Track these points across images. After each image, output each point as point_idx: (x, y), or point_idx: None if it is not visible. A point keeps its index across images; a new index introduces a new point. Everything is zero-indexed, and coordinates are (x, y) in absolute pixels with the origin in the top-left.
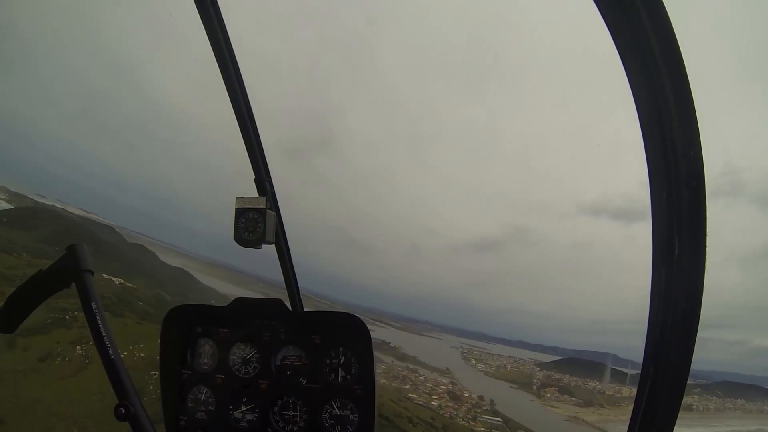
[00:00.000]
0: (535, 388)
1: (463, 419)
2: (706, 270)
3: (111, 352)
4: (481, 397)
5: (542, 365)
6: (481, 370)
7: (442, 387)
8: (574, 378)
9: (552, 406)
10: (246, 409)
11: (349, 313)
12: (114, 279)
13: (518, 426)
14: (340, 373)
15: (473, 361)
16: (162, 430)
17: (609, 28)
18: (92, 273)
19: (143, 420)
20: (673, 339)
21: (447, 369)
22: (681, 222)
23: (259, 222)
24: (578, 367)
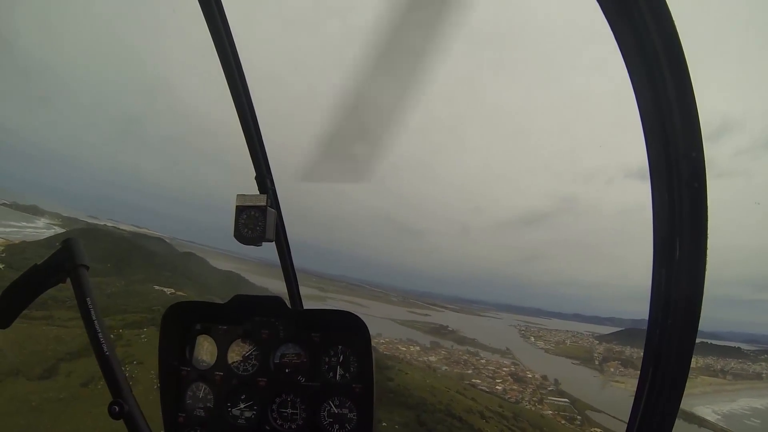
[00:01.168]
0: (597, 363)
1: (529, 402)
2: (706, 272)
3: (105, 349)
4: (544, 377)
5: (601, 338)
6: (541, 348)
7: (505, 369)
8: (636, 350)
9: (617, 381)
10: (244, 407)
11: (348, 312)
12: (165, 289)
13: (586, 406)
14: (339, 371)
15: (532, 339)
16: (156, 427)
17: (611, 27)
18: (87, 268)
19: (137, 418)
20: (673, 340)
21: (507, 349)
22: (682, 223)
23: (259, 219)
24: (638, 337)
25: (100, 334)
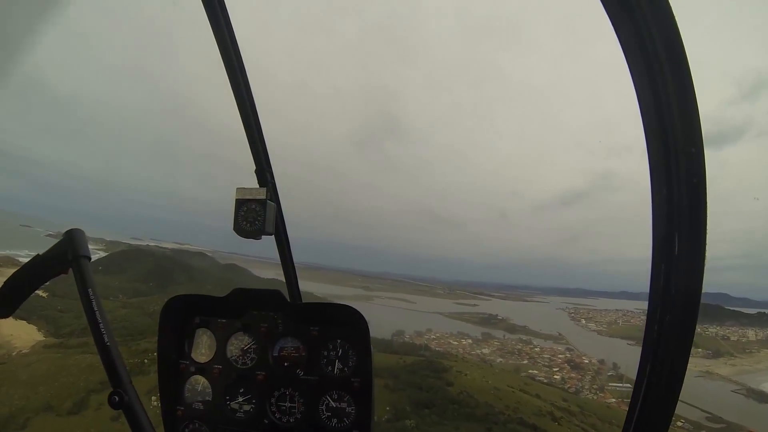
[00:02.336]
0: None
1: (590, 391)
2: (705, 267)
3: (106, 339)
4: (602, 362)
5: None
6: (593, 330)
7: (560, 356)
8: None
9: None
10: (243, 400)
11: (347, 306)
12: None
13: None
14: (338, 365)
15: (583, 321)
16: (155, 418)
17: (612, 23)
18: (89, 259)
19: (137, 408)
20: (672, 336)
21: (559, 334)
22: (681, 219)
23: (259, 213)
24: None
25: (101, 324)
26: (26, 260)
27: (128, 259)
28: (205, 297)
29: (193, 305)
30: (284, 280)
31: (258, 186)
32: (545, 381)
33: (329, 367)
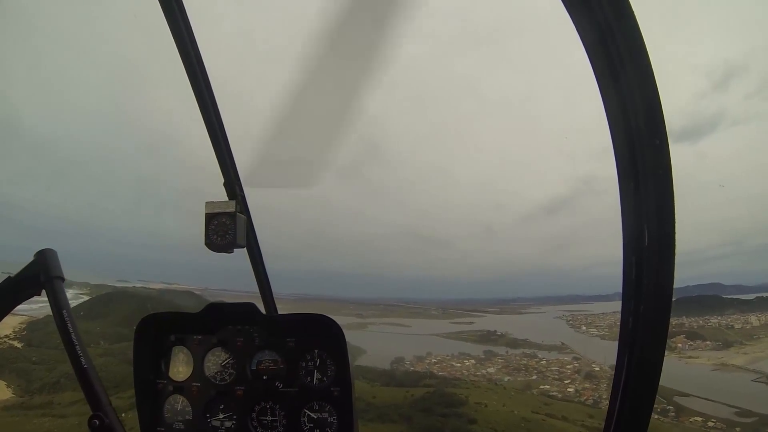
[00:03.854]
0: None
1: (608, 400)
2: (675, 257)
3: (84, 362)
4: (612, 367)
5: None
6: (596, 335)
7: (569, 367)
8: (693, 319)
9: (691, 357)
10: (224, 417)
11: (322, 315)
12: None
13: (671, 392)
14: (316, 375)
15: (583, 328)
16: None
17: (573, 22)
18: (63, 279)
19: (117, 431)
20: (647, 326)
21: (562, 344)
22: (649, 211)
23: (229, 226)
24: (691, 306)
25: (77, 347)
26: None
27: (111, 301)
28: (179, 314)
29: (168, 323)
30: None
31: (227, 199)
32: (560, 396)
33: (308, 378)
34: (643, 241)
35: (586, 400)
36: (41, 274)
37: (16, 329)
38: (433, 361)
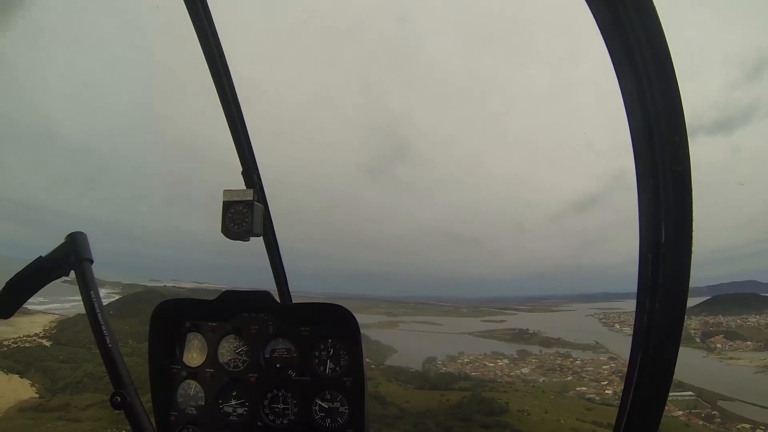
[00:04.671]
0: (698, 340)
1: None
2: (692, 255)
3: (108, 341)
4: None
5: (688, 311)
6: (629, 334)
7: (604, 367)
8: (730, 318)
9: (731, 358)
10: (236, 403)
11: (337, 305)
12: None
13: (715, 396)
14: (329, 365)
15: (617, 326)
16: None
17: (593, 15)
18: (92, 262)
19: (138, 409)
20: (661, 325)
21: (597, 343)
22: (667, 208)
23: (246, 215)
24: (728, 304)
25: (103, 326)
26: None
27: (141, 301)
28: (195, 301)
29: (183, 309)
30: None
31: (245, 188)
32: (599, 399)
33: (321, 368)
34: (659, 239)
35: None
36: (71, 255)
37: (47, 327)
38: (466, 360)
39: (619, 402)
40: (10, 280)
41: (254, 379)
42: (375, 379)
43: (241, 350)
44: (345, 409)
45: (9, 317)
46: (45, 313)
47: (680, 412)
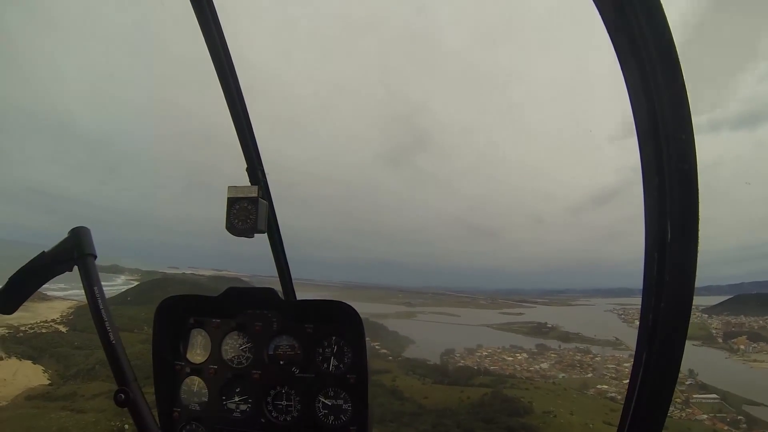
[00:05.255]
0: (720, 340)
1: (673, 404)
2: (698, 253)
3: (112, 337)
4: None
5: (708, 310)
6: None
7: (625, 365)
8: (753, 318)
9: (755, 360)
10: (239, 400)
11: (341, 302)
12: None
13: (740, 400)
14: (333, 362)
15: (637, 322)
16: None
17: (599, 11)
18: (95, 257)
19: (142, 406)
20: (667, 324)
21: (617, 339)
22: (673, 206)
23: (251, 211)
24: (751, 304)
25: (107, 323)
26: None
27: (158, 288)
28: (199, 297)
29: (188, 306)
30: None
31: (250, 184)
32: (620, 398)
33: (325, 365)
34: (665, 237)
35: None
36: (74, 250)
37: (64, 313)
38: (484, 354)
39: (624, 400)
40: (13, 275)
41: (258, 376)
42: (392, 372)
43: (245, 347)
44: (348, 406)
45: (12, 313)
46: (64, 299)
47: (705, 416)
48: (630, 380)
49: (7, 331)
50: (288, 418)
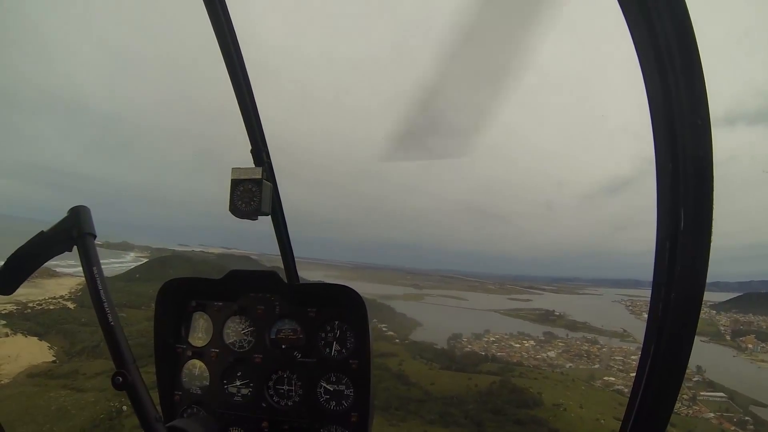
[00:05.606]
0: (728, 338)
1: (680, 401)
2: (711, 242)
3: (110, 319)
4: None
5: (717, 306)
6: None
7: (632, 357)
8: (762, 317)
9: (763, 360)
10: (241, 384)
11: (345, 286)
12: None
13: (747, 400)
14: (335, 347)
15: (644, 315)
16: (158, 400)
17: (622, 10)
18: (94, 236)
19: (140, 389)
20: (677, 315)
21: (624, 331)
22: (687, 193)
23: (255, 193)
24: (760, 302)
25: (105, 303)
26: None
27: (166, 265)
28: (201, 280)
29: (189, 289)
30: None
31: (254, 166)
32: (627, 392)
33: (327, 349)
34: (678, 226)
35: None
36: (74, 230)
37: (73, 290)
38: (492, 339)
39: (630, 391)
40: (12, 255)
41: (259, 360)
42: (399, 355)
43: (247, 331)
44: (350, 391)
45: (11, 293)
46: (73, 275)
47: (712, 414)
48: (637, 372)
49: (15, 307)
50: (289, 403)
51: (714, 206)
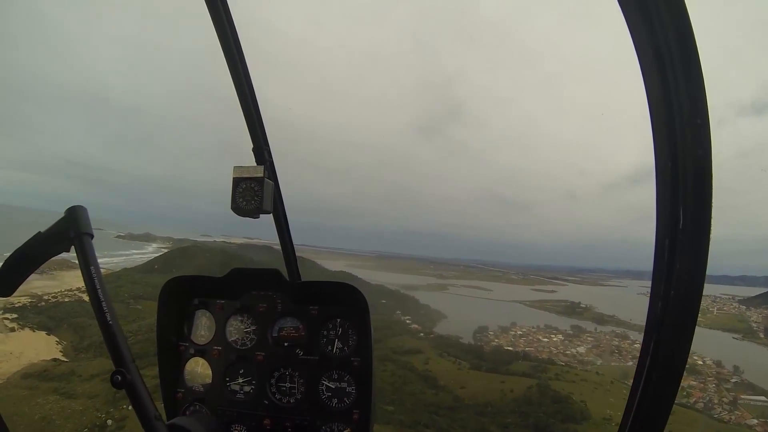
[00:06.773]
0: (762, 335)
1: (720, 405)
2: (710, 240)
3: (109, 318)
4: (719, 364)
5: (746, 302)
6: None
7: None
8: None
9: None
10: (243, 381)
11: (347, 284)
12: None
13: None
14: (337, 344)
15: None
16: (158, 398)
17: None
18: (92, 236)
19: (139, 387)
20: (676, 313)
21: None
22: (686, 192)
23: (257, 191)
24: None
25: (103, 303)
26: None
27: (185, 256)
28: (203, 278)
29: (192, 287)
30: (293, 260)
31: (255, 164)
32: (675, 401)
33: (329, 347)
34: (677, 224)
35: (695, 402)
36: (71, 230)
37: None
38: (519, 333)
39: (630, 388)
40: (9, 257)
41: (261, 358)
42: (425, 352)
43: (249, 328)
44: (352, 389)
45: (10, 295)
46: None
47: (755, 421)
48: (637, 368)
49: (29, 300)
50: (291, 401)
51: (713, 206)
